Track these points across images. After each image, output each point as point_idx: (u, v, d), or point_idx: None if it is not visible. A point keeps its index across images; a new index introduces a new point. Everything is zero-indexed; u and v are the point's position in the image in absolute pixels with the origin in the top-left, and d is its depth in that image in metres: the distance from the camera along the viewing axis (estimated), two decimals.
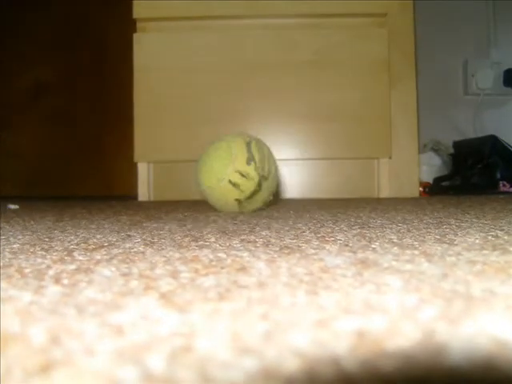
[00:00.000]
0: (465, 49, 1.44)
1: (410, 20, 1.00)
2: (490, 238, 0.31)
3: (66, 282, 0.20)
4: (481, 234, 0.33)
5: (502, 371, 0.11)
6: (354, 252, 0.26)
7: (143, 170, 1.00)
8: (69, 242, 0.32)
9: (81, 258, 0.26)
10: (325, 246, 0.28)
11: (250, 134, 0.55)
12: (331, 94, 0.98)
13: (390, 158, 0.99)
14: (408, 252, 0.26)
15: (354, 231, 0.35)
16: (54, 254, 0.27)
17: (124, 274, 0.21)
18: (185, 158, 0.97)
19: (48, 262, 0.24)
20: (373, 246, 0.28)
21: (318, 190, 1.00)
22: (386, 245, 0.28)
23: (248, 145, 0.50)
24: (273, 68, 0.99)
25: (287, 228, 0.38)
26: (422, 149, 1.24)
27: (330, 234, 0.34)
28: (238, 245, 0.29)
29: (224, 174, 0.49)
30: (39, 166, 1.34)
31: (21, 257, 0.26)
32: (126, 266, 0.23)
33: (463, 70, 1.43)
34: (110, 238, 0.33)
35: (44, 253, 0.27)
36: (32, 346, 0.13)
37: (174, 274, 0.21)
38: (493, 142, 1.13)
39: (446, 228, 0.36)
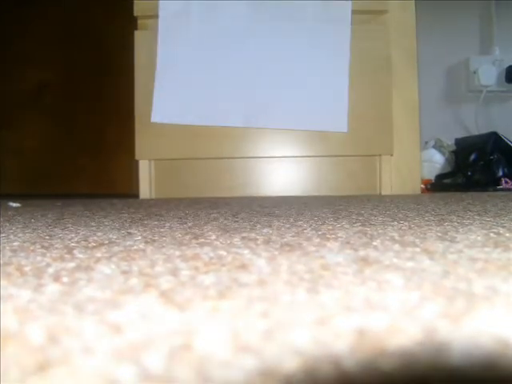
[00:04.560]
0: (467, 46, 1.43)
1: (412, 17, 1.00)
2: (491, 235, 0.30)
3: (65, 280, 0.20)
4: (483, 231, 0.32)
5: (504, 370, 0.11)
6: (355, 249, 0.26)
7: (144, 168, 1.00)
8: (69, 239, 0.32)
9: (81, 255, 0.26)
10: (326, 243, 0.28)
11: None
12: None
13: (392, 155, 0.99)
14: (409, 249, 0.26)
15: (356, 228, 0.35)
16: (54, 251, 0.27)
17: (124, 272, 0.21)
18: (186, 155, 0.97)
19: (48, 260, 0.24)
20: (374, 243, 0.28)
21: (319, 187, 1.00)
22: (387, 242, 0.28)
23: None
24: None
25: (288, 225, 0.38)
26: (424, 146, 1.24)
27: (331, 232, 0.34)
28: (239, 242, 0.29)
29: None
30: (40, 164, 1.34)
31: (21, 254, 0.26)
32: (126, 263, 0.23)
33: (465, 67, 1.43)
34: (110, 236, 0.33)
35: (44, 251, 0.27)
36: (30, 345, 0.13)
37: (174, 272, 0.21)
38: (495, 138, 1.13)
39: (447, 225, 0.36)
